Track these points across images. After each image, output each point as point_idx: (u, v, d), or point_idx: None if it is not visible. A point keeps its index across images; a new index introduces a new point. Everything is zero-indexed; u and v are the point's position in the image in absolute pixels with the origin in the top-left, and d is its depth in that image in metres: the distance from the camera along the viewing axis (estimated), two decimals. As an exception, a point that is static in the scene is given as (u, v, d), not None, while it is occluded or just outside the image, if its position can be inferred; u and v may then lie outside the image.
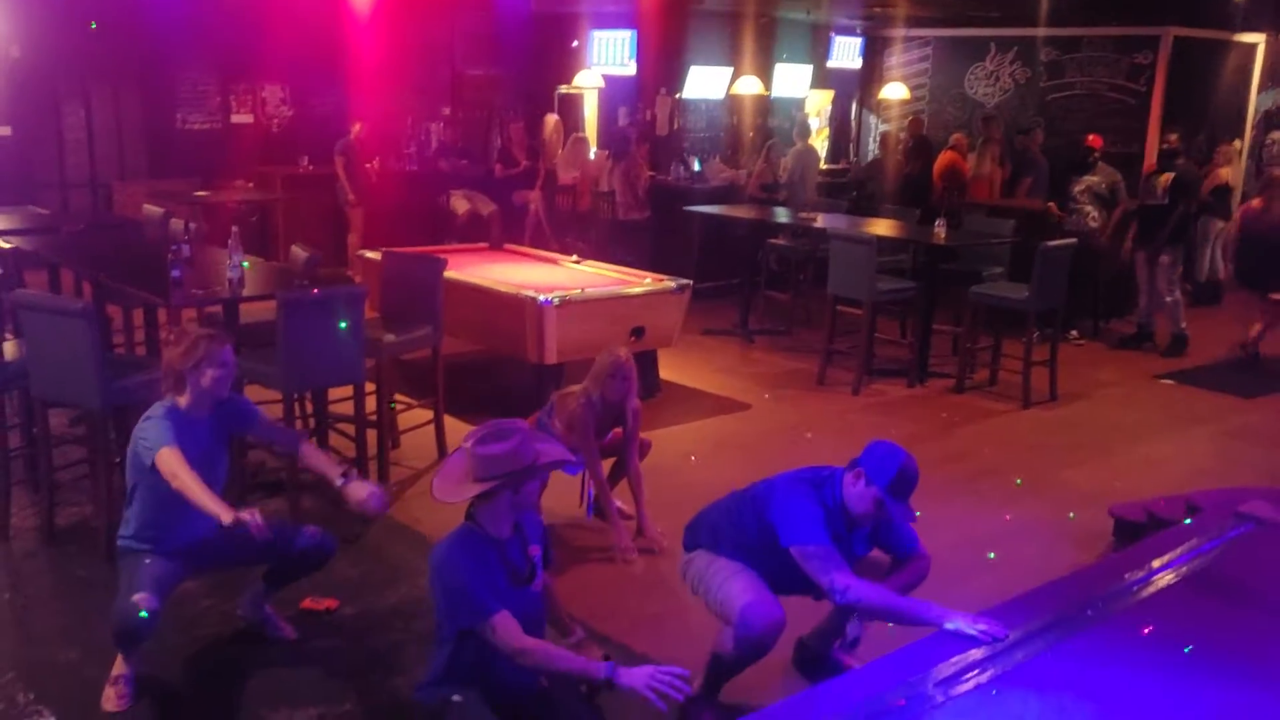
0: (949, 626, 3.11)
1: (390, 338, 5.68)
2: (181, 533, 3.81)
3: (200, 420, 3.87)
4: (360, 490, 3.84)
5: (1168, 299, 9.38)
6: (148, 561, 3.78)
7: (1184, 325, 9.39)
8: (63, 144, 11.47)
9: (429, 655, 3.37)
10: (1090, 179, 9.53)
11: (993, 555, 5.08)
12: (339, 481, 3.89)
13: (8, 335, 5.66)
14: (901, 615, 3.33)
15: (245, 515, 3.51)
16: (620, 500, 5.30)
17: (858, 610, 3.47)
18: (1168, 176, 9.26)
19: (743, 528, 3.60)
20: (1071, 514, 5.61)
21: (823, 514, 3.46)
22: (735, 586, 3.51)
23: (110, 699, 3.74)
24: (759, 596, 3.46)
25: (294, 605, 4.40)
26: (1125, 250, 9.91)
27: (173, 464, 3.63)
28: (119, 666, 3.78)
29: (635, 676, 3.03)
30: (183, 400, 3.84)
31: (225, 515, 3.52)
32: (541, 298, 6.46)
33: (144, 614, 3.59)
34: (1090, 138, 9.87)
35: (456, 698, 3.19)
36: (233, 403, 4.03)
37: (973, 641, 3.04)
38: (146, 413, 3.85)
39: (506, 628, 3.10)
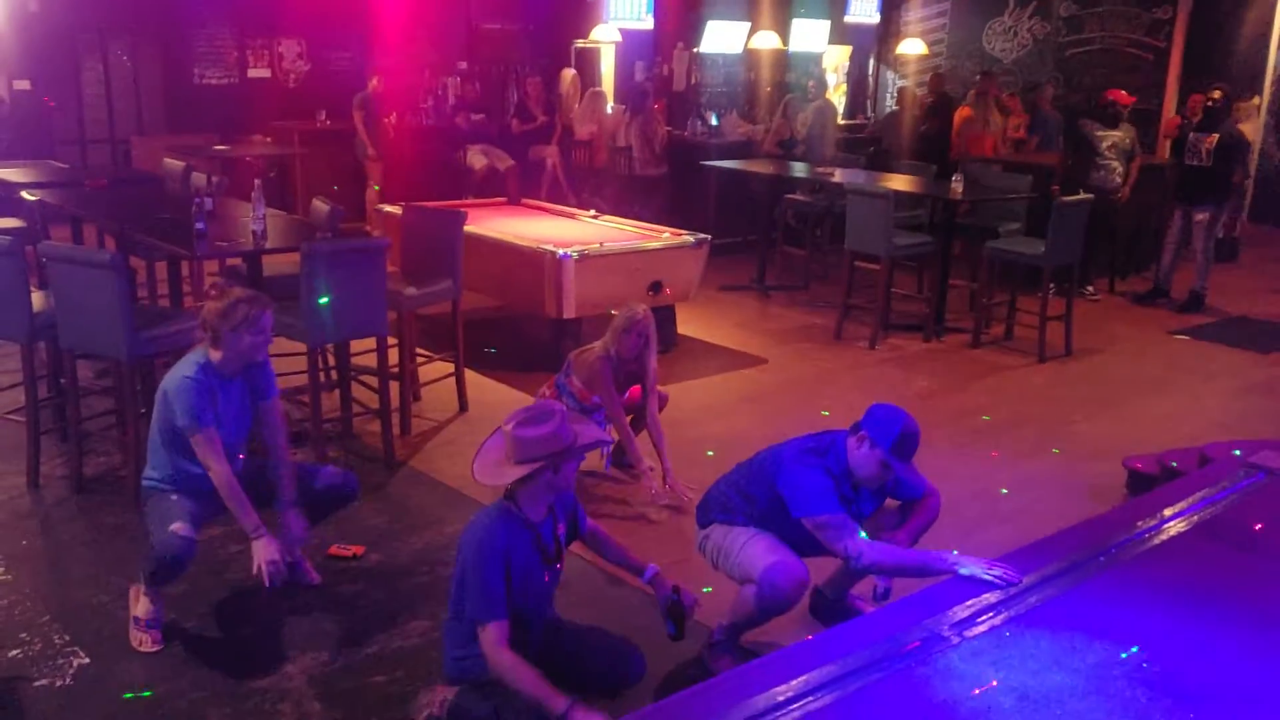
0: (964, 572, 3.16)
1: (411, 291, 5.74)
2: (208, 477, 3.86)
3: (230, 380, 3.94)
4: (267, 550, 3.78)
5: (1201, 256, 9.34)
6: (175, 498, 3.86)
7: (1206, 284, 9.38)
8: (82, 99, 11.52)
9: (446, 631, 3.42)
10: (1116, 134, 9.47)
11: (1005, 490, 5.16)
12: (282, 515, 3.94)
13: (33, 287, 5.73)
14: (917, 569, 3.39)
15: (266, 567, 3.70)
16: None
17: (875, 573, 3.51)
18: (1213, 138, 9.09)
19: (753, 498, 3.66)
20: (1056, 450, 5.67)
21: (831, 482, 3.51)
22: (757, 548, 3.57)
23: (144, 642, 3.84)
24: (782, 556, 3.52)
25: (320, 552, 4.51)
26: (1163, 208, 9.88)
27: (208, 453, 3.76)
28: (144, 608, 3.86)
29: (587, 716, 3.03)
30: (215, 355, 3.88)
31: (252, 533, 3.73)
32: (560, 252, 6.50)
33: (183, 540, 3.69)
34: (1116, 93, 9.77)
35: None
36: (263, 369, 4.07)
37: (988, 586, 3.10)
38: (179, 365, 3.90)
39: (498, 636, 3.14)
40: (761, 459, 3.73)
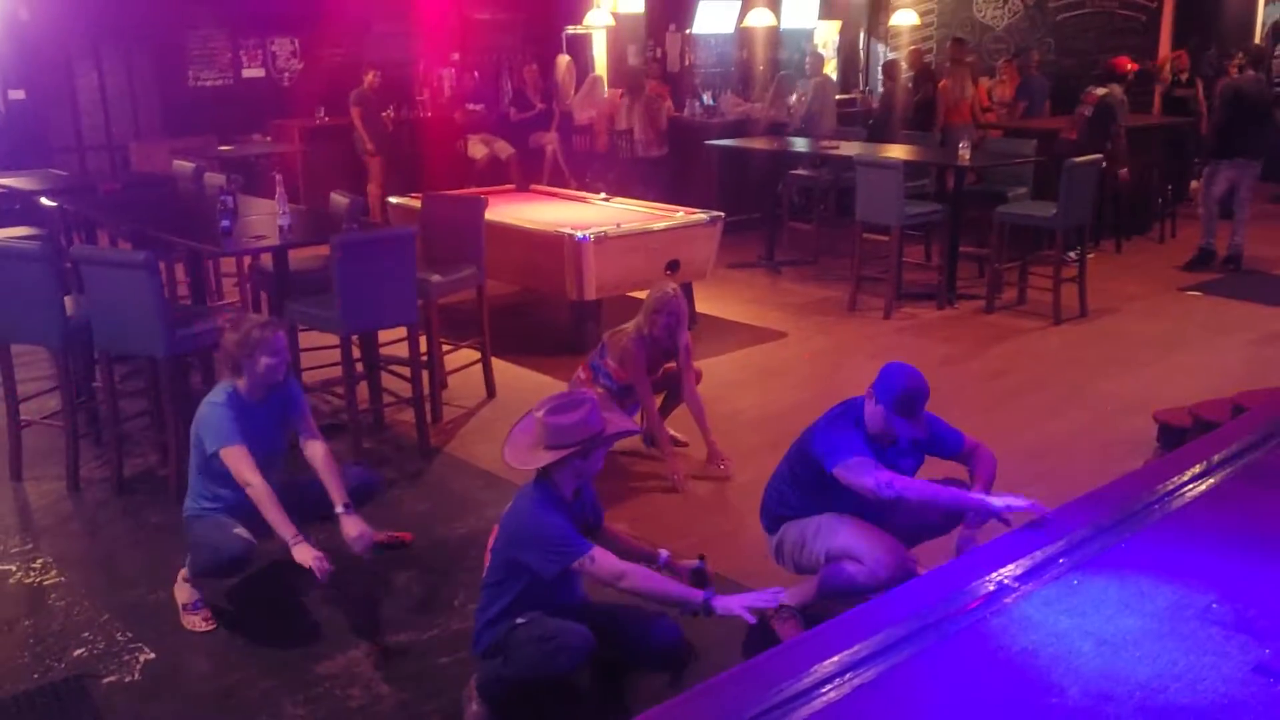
0: (997, 504, 3.33)
1: (437, 278, 5.76)
2: (246, 500, 3.88)
3: (259, 404, 4.00)
4: (352, 528, 3.88)
5: (1201, 210, 9.44)
6: (220, 519, 3.92)
7: (1206, 241, 9.47)
8: (77, 106, 11.48)
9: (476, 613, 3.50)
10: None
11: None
12: (339, 509, 3.93)
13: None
14: (945, 502, 3.50)
15: (314, 562, 3.70)
16: (674, 430, 5.41)
17: (903, 501, 3.50)
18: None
19: (805, 481, 3.70)
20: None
21: (855, 434, 3.58)
22: (845, 535, 3.59)
23: (197, 623, 3.94)
24: (880, 540, 3.56)
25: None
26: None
27: (241, 468, 3.80)
28: (187, 594, 3.99)
29: (731, 601, 3.19)
30: (241, 384, 3.96)
31: (291, 541, 3.75)
32: (579, 234, 6.52)
33: (245, 543, 3.79)
34: (1120, 60, 9.82)
35: (520, 619, 3.33)
36: (288, 387, 4.12)
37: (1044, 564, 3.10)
38: (209, 396, 3.99)
39: (605, 557, 3.28)
40: (797, 443, 3.80)
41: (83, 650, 3.81)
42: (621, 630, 3.48)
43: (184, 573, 4.04)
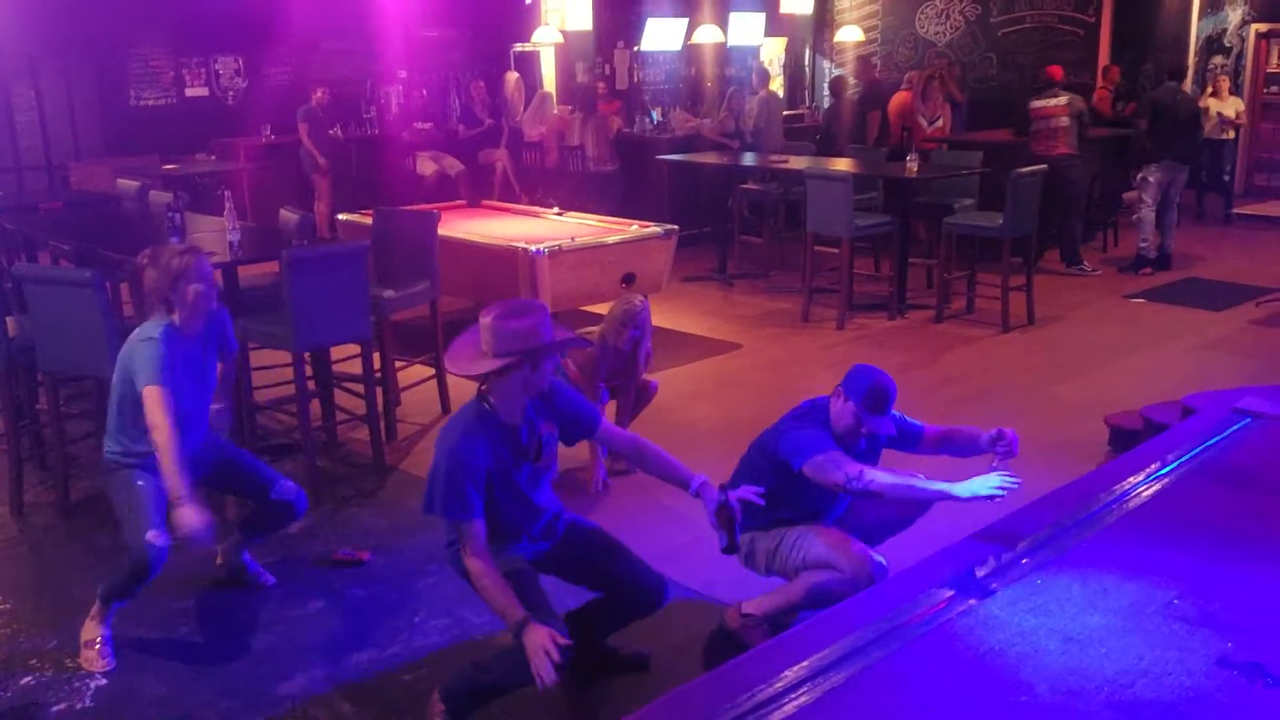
0: (964, 494, 3.30)
1: (390, 294, 5.71)
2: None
3: (194, 336, 3.88)
4: (190, 516, 3.62)
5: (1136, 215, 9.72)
6: (140, 484, 3.78)
7: (1144, 242, 9.72)
8: (14, 126, 11.27)
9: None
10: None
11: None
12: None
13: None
14: (918, 494, 3.49)
15: (196, 523, 3.57)
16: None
17: (874, 495, 3.48)
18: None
19: (764, 479, 3.63)
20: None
21: (825, 433, 3.60)
22: (819, 546, 3.57)
23: (93, 660, 3.78)
24: (851, 546, 3.55)
25: (325, 559, 4.52)
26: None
27: (157, 410, 3.64)
28: (94, 631, 3.83)
29: (534, 635, 3.01)
30: (176, 318, 3.81)
31: (177, 497, 3.59)
32: (533, 248, 6.50)
33: (158, 551, 3.66)
34: (1054, 68, 10.02)
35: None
36: (222, 316, 4.06)
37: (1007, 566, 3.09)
38: (141, 331, 3.81)
39: (475, 536, 3.15)
40: (758, 443, 3.78)
41: (30, 678, 3.71)
42: (616, 573, 3.47)
43: (92, 610, 3.86)
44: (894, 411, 3.71)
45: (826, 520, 3.72)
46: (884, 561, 3.55)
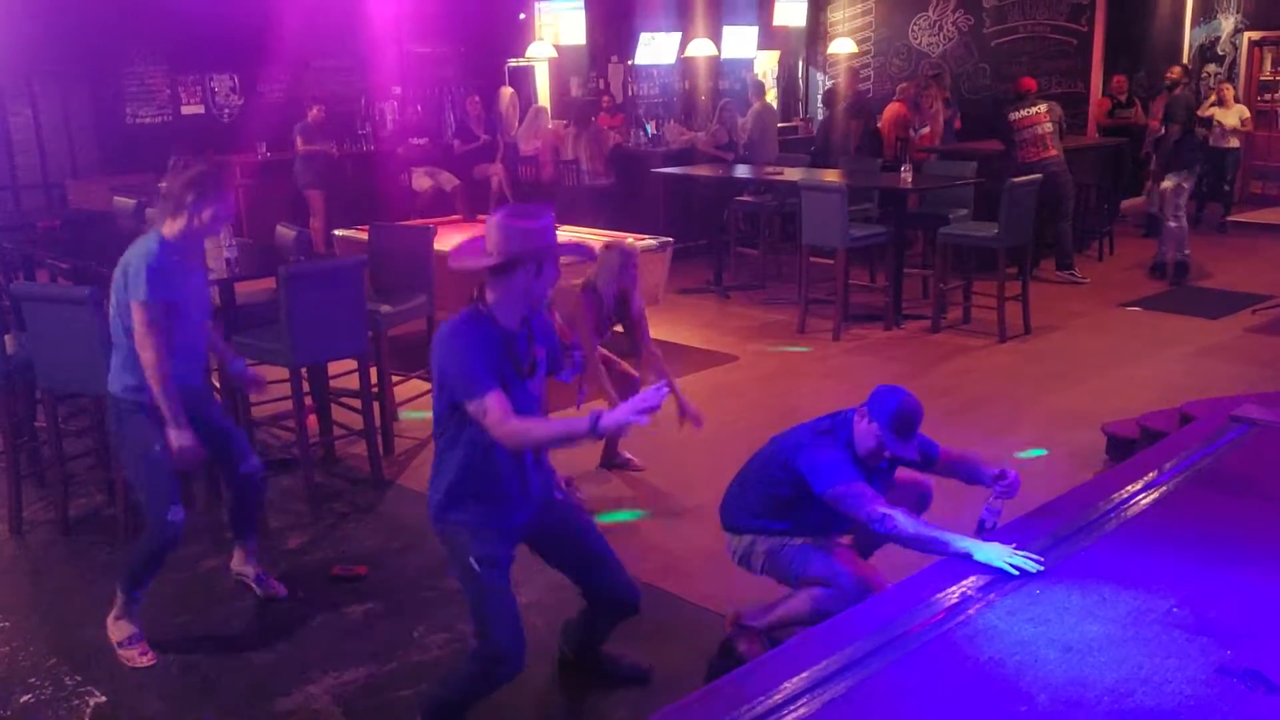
0: (979, 558, 3.11)
1: (386, 309, 5.71)
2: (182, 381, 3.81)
3: (191, 253, 3.86)
4: (183, 437, 3.78)
5: (1173, 224, 9.65)
6: (155, 447, 3.78)
7: (1187, 251, 9.68)
8: (11, 144, 11.29)
9: (434, 467, 3.32)
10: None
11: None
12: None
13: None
14: (934, 546, 3.29)
15: (184, 443, 3.72)
16: (630, 453, 5.41)
17: (897, 542, 3.43)
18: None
19: (775, 487, 3.65)
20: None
21: (847, 454, 3.53)
22: (818, 563, 3.56)
23: (135, 658, 3.86)
24: (848, 561, 3.55)
25: (324, 574, 4.52)
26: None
27: (150, 332, 3.65)
28: (124, 631, 3.91)
29: (616, 413, 2.97)
30: (173, 228, 3.76)
31: (174, 422, 3.70)
32: (529, 262, 6.49)
33: (176, 528, 3.79)
34: (1027, 80, 10.09)
35: (475, 565, 3.18)
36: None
37: (1005, 575, 3.05)
38: (137, 245, 3.78)
39: (498, 406, 3.01)
40: (774, 449, 3.73)
41: (30, 696, 3.70)
42: (587, 562, 3.46)
43: (115, 610, 3.94)
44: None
45: (832, 533, 3.70)
46: (884, 581, 3.53)
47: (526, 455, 3.26)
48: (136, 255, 3.73)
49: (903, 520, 3.35)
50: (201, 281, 3.99)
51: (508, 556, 3.28)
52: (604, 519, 4.69)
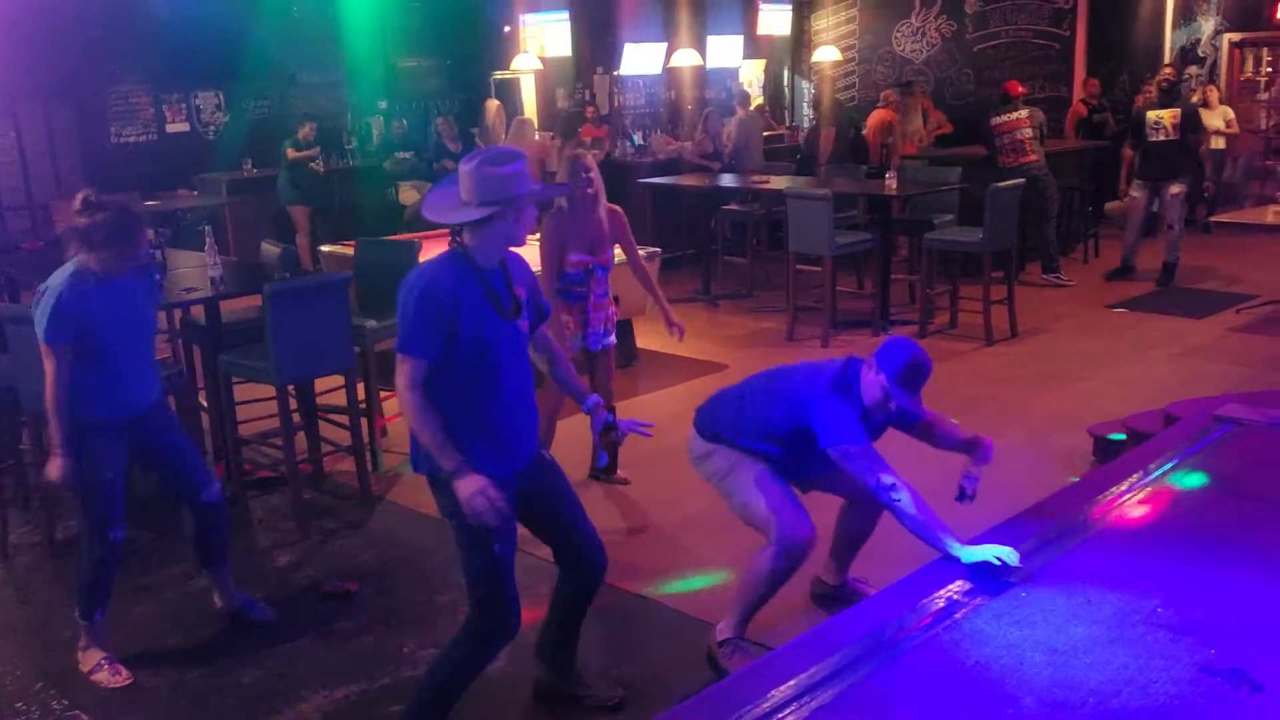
0: (965, 560, 3.10)
1: (373, 324, 5.71)
2: (114, 401, 3.81)
3: (122, 285, 3.75)
4: (56, 467, 3.75)
5: (1177, 228, 9.62)
6: (106, 473, 3.79)
7: (1178, 255, 9.67)
8: (-6, 166, 11.27)
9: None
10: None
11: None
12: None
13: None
14: (926, 534, 3.26)
15: (55, 476, 3.71)
16: (622, 472, 5.42)
17: (894, 514, 3.40)
18: (1175, 112, 9.46)
19: (771, 421, 3.61)
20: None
21: (859, 413, 3.49)
22: (767, 494, 3.56)
23: (109, 679, 3.86)
24: (793, 514, 3.55)
25: (315, 592, 4.51)
26: (1122, 190, 10.26)
27: (50, 366, 3.64)
28: (95, 658, 3.91)
29: (469, 482, 2.99)
30: (88, 260, 3.65)
31: (55, 451, 3.69)
32: (515, 275, 6.49)
33: (114, 549, 3.86)
34: (1012, 83, 10.13)
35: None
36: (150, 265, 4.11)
37: (988, 568, 3.07)
38: (54, 275, 3.72)
39: (413, 372, 3.02)
40: (781, 386, 3.67)
41: (18, 720, 3.69)
42: (566, 531, 3.43)
43: (81, 640, 3.95)
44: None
45: (799, 477, 3.70)
46: (813, 529, 3.56)
47: (525, 400, 3.25)
48: (49, 288, 3.68)
49: (908, 498, 3.31)
50: (136, 301, 3.85)
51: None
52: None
